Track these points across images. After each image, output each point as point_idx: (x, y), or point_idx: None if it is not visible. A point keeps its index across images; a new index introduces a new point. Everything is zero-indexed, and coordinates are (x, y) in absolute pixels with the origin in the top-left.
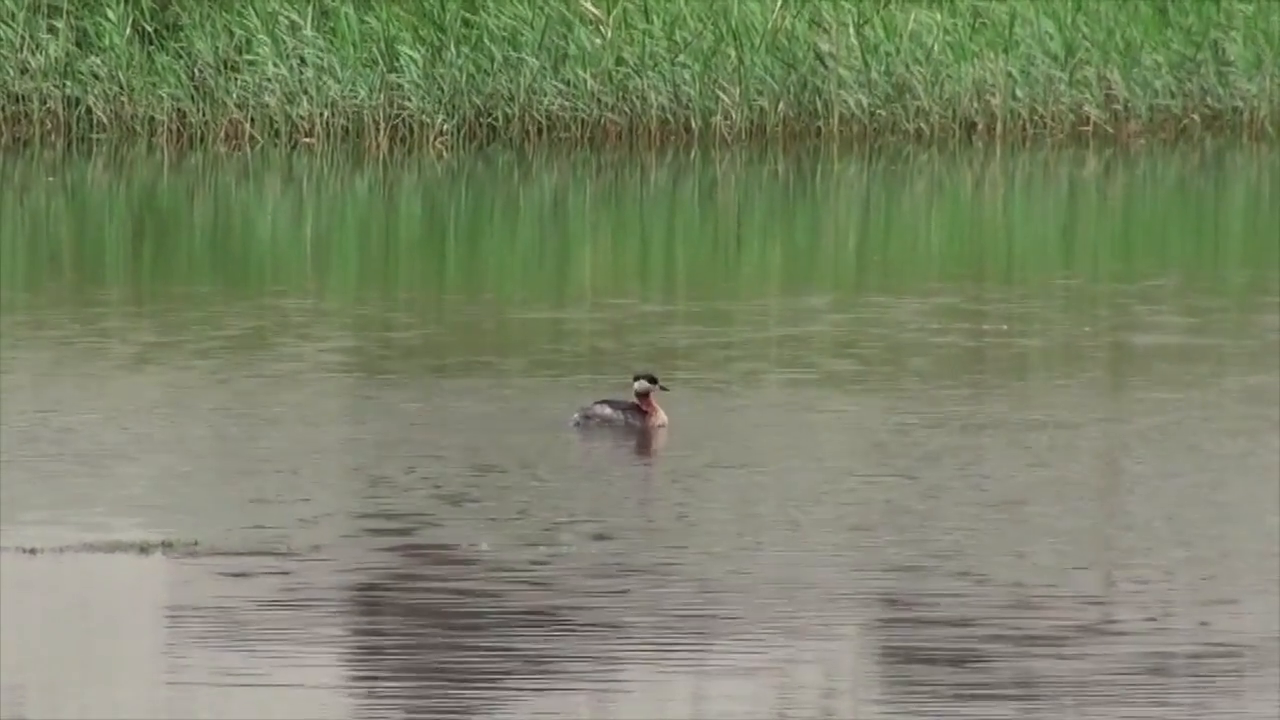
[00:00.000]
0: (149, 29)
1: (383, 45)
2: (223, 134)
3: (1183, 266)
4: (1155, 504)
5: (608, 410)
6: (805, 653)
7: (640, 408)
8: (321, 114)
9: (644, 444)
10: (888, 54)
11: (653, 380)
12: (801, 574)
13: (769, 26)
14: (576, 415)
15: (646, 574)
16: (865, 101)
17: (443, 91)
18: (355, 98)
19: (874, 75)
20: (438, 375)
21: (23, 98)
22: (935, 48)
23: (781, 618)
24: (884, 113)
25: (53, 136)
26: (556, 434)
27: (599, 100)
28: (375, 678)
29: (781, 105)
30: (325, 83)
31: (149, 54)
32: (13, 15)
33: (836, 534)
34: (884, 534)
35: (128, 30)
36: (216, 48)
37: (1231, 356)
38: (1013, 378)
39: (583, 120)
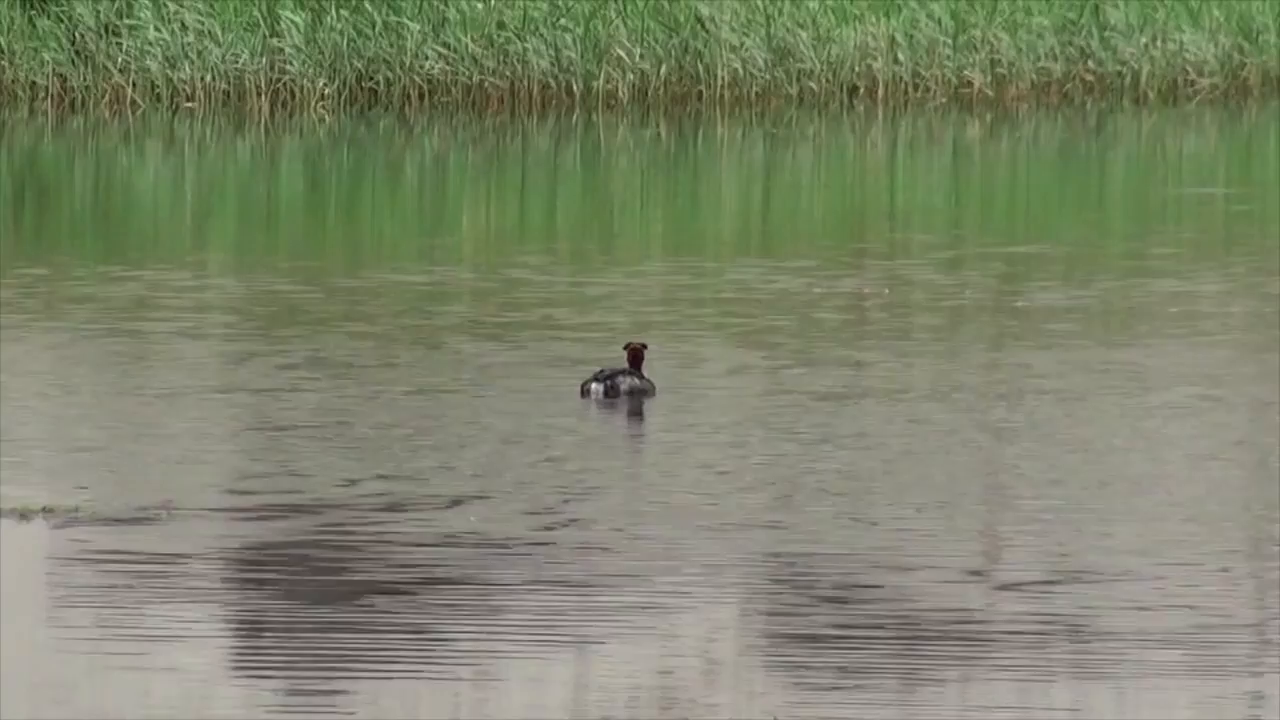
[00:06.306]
0: None
1: (263, 9)
2: (105, 98)
3: (1064, 230)
4: (1035, 468)
5: (637, 380)
6: (688, 618)
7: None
8: (203, 78)
9: (636, 409)
10: (770, 17)
11: (644, 349)
12: (685, 540)
13: None
14: (597, 385)
15: (530, 542)
16: (753, 62)
17: (324, 55)
18: (236, 62)
19: (756, 39)
20: (319, 341)
21: None
22: (818, 11)
23: (665, 584)
24: (766, 76)
25: None
26: (434, 397)
27: (480, 64)
28: (256, 643)
29: (664, 69)
30: (206, 47)
31: (30, 18)
32: None
33: (719, 499)
34: (766, 500)
35: None
36: (98, 12)
37: (1111, 321)
38: (893, 341)
39: (464, 84)
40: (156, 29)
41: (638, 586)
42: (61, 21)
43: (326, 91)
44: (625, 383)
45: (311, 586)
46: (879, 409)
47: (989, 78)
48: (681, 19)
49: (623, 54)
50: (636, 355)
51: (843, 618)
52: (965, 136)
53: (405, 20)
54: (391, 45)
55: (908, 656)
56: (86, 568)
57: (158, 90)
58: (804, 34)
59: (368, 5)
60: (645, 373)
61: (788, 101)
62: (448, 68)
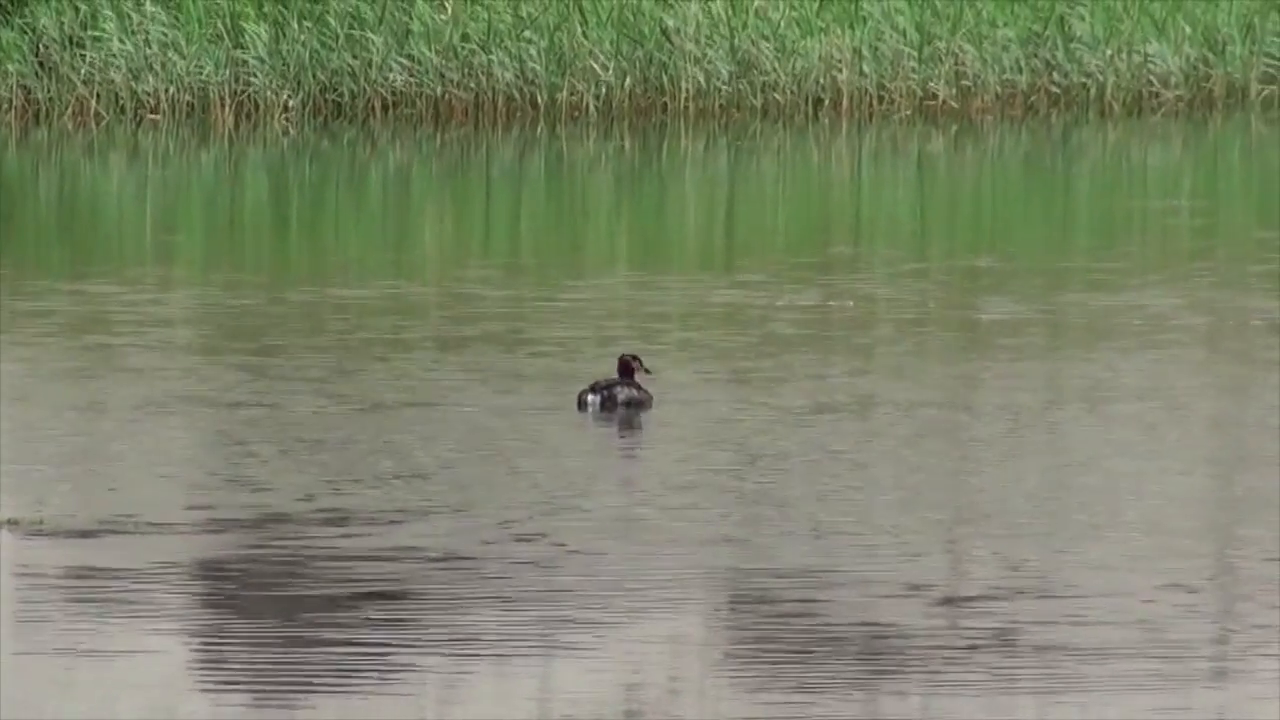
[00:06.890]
0: None
1: (227, 21)
2: (68, 110)
3: (1028, 243)
4: (997, 482)
5: (634, 392)
6: (650, 634)
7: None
8: (167, 90)
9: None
10: (734, 29)
11: (635, 361)
12: (646, 555)
13: (614, 1)
14: (594, 397)
15: (493, 557)
16: (717, 74)
17: (287, 68)
18: (200, 74)
19: (720, 51)
20: (282, 354)
21: None
22: (782, 23)
23: (627, 599)
24: (731, 88)
25: None
26: (396, 411)
27: (444, 76)
28: (218, 657)
29: (628, 81)
30: (170, 59)
31: None
32: None
33: (682, 514)
34: (728, 514)
35: None
36: (62, 23)
37: (1074, 334)
38: (857, 355)
39: (427, 96)
40: (120, 41)
41: (599, 602)
42: (25, 33)
43: (290, 103)
44: (623, 394)
45: (273, 601)
46: (841, 422)
47: (954, 90)
48: (646, 31)
49: (594, 65)
50: (627, 367)
51: (804, 632)
52: (930, 149)
53: (368, 33)
54: (355, 57)
55: (869, 671)
56: (50, 581)
57: (122, 102)
58: (768, 46)
59: (331, 18)
60: (639, 383)
61: (752, 114)
62: (411, 80)
